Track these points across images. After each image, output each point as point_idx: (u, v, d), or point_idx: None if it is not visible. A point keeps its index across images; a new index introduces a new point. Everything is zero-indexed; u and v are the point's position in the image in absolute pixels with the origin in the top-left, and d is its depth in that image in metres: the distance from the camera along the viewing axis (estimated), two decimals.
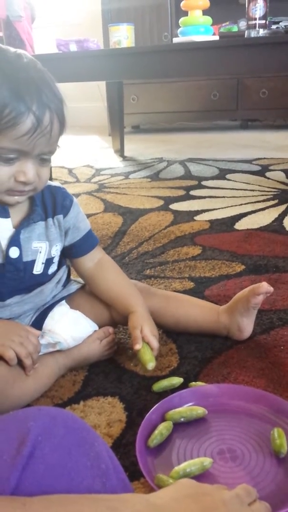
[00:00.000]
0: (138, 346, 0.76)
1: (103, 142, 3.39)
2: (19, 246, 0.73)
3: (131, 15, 3.43)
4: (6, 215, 0.72)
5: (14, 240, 0.73)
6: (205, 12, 2.11)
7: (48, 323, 0.80)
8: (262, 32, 2.04)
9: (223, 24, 3.32)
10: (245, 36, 2.08)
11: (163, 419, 0.67)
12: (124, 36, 2.32)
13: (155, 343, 0.78)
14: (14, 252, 0.73)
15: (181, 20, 2.09)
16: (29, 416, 0.46)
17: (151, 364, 0.75)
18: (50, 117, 0.63)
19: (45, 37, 3.74)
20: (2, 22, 3.51)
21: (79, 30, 3.86)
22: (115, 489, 0.45)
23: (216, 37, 2.12)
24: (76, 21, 4.15)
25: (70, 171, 2.45)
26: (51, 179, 0.81)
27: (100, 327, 0.85)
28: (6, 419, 0.47)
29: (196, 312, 0.90)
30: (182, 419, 0.67)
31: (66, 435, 0.45)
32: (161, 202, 1.81)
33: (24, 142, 0.62)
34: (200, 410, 0.68)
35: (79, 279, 0.90)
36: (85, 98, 3.92)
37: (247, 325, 0.86)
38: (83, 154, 2.93)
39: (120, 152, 2.84)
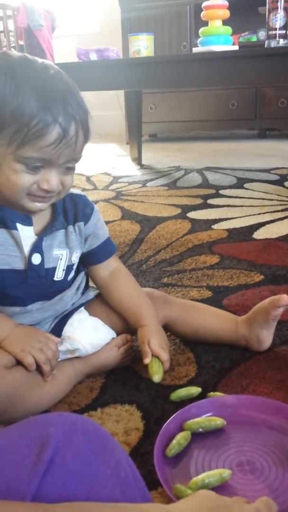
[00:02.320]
0: (146, 360, 0.77)
1: (120, 150, 3.41)
2: (41, 253, 0.74)
3: (151, 25, 3.47)
4: (29, 223, 0.73)
5: (37, 247, 0.73)
6: (225, 22, 2.12)
7: (67, 330, 0.80)
8: (282, 42, 2.04)
9: (242, 34, 3.34)
10: (265, 46, 2.08)
11: (181, 429, 0.66)
12: (143, 46, 2.34)
13: (164, 355, 0.78)
14: (36, 259, 0.73)
15: (201, 30, 2.10)
16: (50, 422, 0.46)
17: (157, 377, 0.75)
18: (75, 128, 0.64)
19: (65, 46, 3.79)
20: (23, 31, 3.58)
21: (99, 39, 3.91)
22: (134, 498, 0.44)
23: (236, 47, 2.12)
24: (95, 31, 4.21)
25: (88, 178, 2.47)
26: None
27: (117, 334, 0.85)
28: (27, 424, 0.47)
29: (214, 321, 0.89)
30: (200, 429, 0.66)
31: (86, 442, 0.45)
32: (179, 211, 1.81)
33: (49, 152, 0.63)
34: (219, 421, 0.67)
35: None
36: (103, 106, 3.96)
37: (266, 337, 0.85)
38: (101, 161, 2.95)
39: (138, 160, 2.85)
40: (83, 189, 2.23)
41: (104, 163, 2.91)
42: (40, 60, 0.65)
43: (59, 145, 0.63)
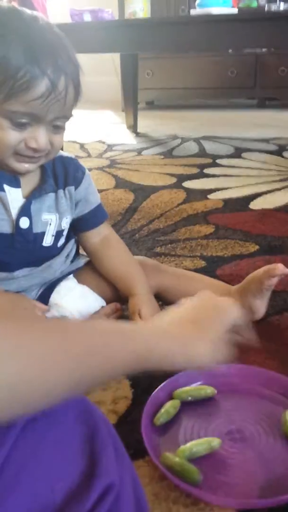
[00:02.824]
0: None
1: (116, 118, 3.33)
2: (29, 216, 0.71)
3: None
4: (17, 184, 0.70)
5: (25, 210, 0.71)
6: None
7: (55, 297, 0.78)
8: (283, 5, 1.97)
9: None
10: (265, 10, 2.00)
11: (170, 397, 0.65)
12: (140, 7, 2.25)
13: None
14: (24, 223, 0.71)
15: None
16: None
17: None
18: (65, 82, 0.61)
19: (59, 8, 3.65)
20: None
21: (94, 1, 3.76)
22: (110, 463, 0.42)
23: (235, 10, 2.04)
24: None
25: (81, 146, 2.41)
26: None
27: (107, 303, 0.83)
28: None
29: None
30: (189, 398, 0.65)
31: (62, 408, 0.43)
32: (174, 180, 1.77)
33: (37, 107, 0.60)
34: (209, 390, 0.66)
35: None
36: (99, 72, 3.84)
37: (260, 306, 0.83)
38: (96, 129, 2.88)
39: (133, 128, 2.78)
40: (76, 157, 2.17)
41: (99, 130, 2.84)
42: (28, 11, 0.62)
43: (47, 99, 0.59)
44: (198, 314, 0.53)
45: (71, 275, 0.82)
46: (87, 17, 2.09)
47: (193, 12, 2.05)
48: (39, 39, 0.59)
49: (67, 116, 0.65)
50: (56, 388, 0.37)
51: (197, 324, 0.52)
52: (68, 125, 0.67)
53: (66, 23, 2.04)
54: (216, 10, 1.93)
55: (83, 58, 0.70)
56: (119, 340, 0.44)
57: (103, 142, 2.50)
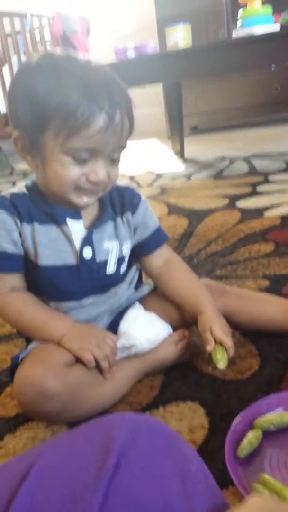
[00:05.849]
0: (209, 348, 0.73)
1: (162, 146, 3.38)
2: (92, 246, 0.73)
3: (186, 19, 3.40)
4: (78, 217, 0.73)
5: (87, 241, 0.73)
6: (264, 2, 2.04)
7: (123, 325, 0.78)
8: None
9: (282, 14, 3.20)
10: None
11: (251, 427, 0.62)
12: (181, 36, 2.29)
13: (227, 341, 0.74)
14: (87, 253, 0.73)
15: (241, 12, 2.03)
16: (113, 424, 0.44)
17: (221, 364, 0.71)
18: (121, 115, 0.64)
19: (102, 48, 3.81)
20: (59, 38, 3.63)
21: (135, 38, 3.89)
22: (202, 494, 0.41)
23: (278, 26, 2.03)
24: (131, 30, 4.20)
25: (131, 178, 2.45)
26: None
27: (174, 329, 0.82)
28: (90, 428, 0.45)
29: (274, 311, 0.84)
30: (272, 427, 0.61)
31: (151, 441, 0.43)
32: (226, 201, 1.76)
33: (96, 141, 0.63)
34: None
35: (151, 282, 0.88)
36: (143, 104, 3.93)
37: None
38: (144, 159, 2.93)
39: (180, 154, 2.80)
40: None
41: (147, 160, 2.88)
42: (81, 55, 0.66)
43: (106, 132, 0.62)
44: None
45: (137, 303, 0.83)
46: (131, 54, 2.16)
47: (234, 34, 2.06)
48: (94, 78, 0.63)
49: (123, 147, 0.68)
50: None
51: None
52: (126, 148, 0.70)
53: (112, 63, 2.12)
54: (258, 29, 1.93)
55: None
56: None
57: (152, 172, 2.53)
